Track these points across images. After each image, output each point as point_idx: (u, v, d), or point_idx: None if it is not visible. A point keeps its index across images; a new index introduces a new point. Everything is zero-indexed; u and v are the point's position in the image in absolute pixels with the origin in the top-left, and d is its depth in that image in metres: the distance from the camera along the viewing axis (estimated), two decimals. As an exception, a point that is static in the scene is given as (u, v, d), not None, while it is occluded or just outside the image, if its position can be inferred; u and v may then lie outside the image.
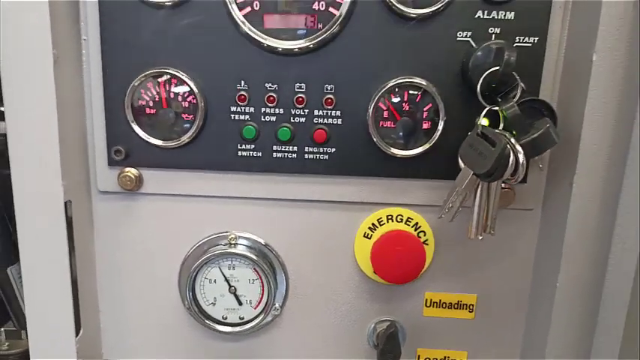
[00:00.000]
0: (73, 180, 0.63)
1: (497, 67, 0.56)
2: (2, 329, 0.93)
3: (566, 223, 0.61)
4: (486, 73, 0.56)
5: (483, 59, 0.58)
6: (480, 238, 0.60)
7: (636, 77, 0.54)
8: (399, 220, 0.68)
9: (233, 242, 0.69)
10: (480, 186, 0.58)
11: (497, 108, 0.58)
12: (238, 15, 0.60)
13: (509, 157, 0.54)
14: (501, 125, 0.58)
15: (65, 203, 0.61)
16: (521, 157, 0.54)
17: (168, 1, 0.60)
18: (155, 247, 0.70)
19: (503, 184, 0.61)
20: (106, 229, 0.70)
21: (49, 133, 0.58)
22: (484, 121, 0.60)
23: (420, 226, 0.68)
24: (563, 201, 0.62)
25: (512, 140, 0.55)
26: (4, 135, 1.05)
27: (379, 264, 0.66)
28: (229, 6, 0.60)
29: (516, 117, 0.55)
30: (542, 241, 0.68)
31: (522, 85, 0.57)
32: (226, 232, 0.69)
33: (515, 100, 0.56)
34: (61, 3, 0.58)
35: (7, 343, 0.92)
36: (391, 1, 0.59)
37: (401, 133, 0.64)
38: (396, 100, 0.63)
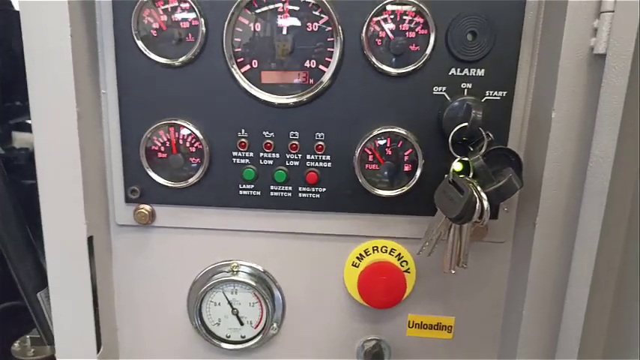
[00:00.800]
0: (95, 216, 0.70)
1: (466, 124, 0.62)
2: (28, 336, 1.01)
3: (531, 257, 0.67)
4: (456, 129, 0.63)
5: (455, 114, 0.64)
6: (453, 272, 0.66)
7: (590, 132, 0.60)
8: (384, 251, 0.74)
9: (235, 270, 0.75)
10: (452, 226, 0.65)
11: (466, 159, 0.64)
12: (238, 73, 0.67)
13: (476, 203, 0.60)
14: (471, 173, 0.64)
15: (88, 238, 0.68)
16: (485, 203, 0.60)
17: (178, 62, 0.67)
18: (166, 274, 0.77)
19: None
20: (123, 257, 0.77)
21: (74, 178, 0.65)
22: (457, 166, 0.66)
23: (402, 256, 0.74)
24: (529, 237, 0.67)
25: (479, 188, 0.61)
26: (26, 149, 1.15)
27: (365, 292, 0.72)
28: (230, 65, 0.66)
29: (481, 168, 0.61)
30: (513, 271, 0.74)
31: (491, 136, 0.63)
32: (229, 260, 0.76)
33: (481, 152, 0.62)
34: (83, 64, 0.65)
35: (32, 350, 1.00)
36: (373, 62, 0.65)
37: (386, 173, 0.70)
38: (379, 145, 0.69)
